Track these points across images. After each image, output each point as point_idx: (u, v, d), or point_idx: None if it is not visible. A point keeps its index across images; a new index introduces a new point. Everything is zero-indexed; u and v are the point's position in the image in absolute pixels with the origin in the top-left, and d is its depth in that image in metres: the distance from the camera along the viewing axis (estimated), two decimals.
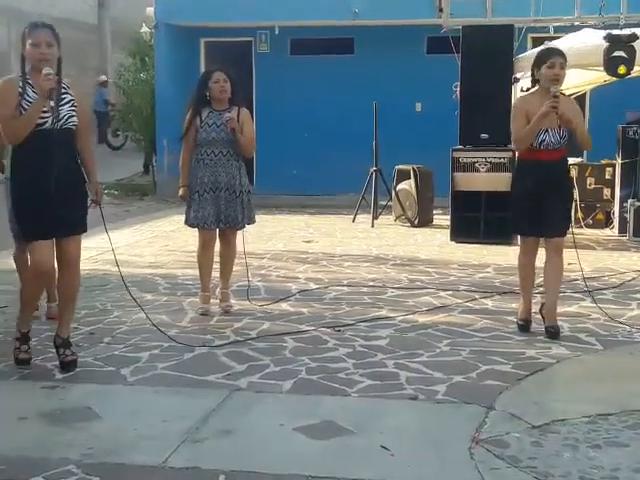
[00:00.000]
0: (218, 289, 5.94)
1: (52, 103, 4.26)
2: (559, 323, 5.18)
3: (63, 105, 4.35)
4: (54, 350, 4.67)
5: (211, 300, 5.87)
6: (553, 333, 5.05)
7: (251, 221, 5.84)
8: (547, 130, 4.94)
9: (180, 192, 5.80)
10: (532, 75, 5.11)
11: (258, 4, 13.56)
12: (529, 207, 5.03)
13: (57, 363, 4.53)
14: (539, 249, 5.25)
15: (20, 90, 4.31)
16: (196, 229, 5.80)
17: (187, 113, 5.73)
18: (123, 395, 4.17)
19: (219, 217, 5.68)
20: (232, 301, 5.94)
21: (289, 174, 13.04)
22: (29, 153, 4.31)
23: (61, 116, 4.32)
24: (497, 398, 4.01)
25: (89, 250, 7.61)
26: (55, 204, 4.30)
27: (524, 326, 5.22)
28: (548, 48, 5.31)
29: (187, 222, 5.81)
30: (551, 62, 4.92)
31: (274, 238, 9.32)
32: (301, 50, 13.33)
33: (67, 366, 4.52)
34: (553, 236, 5.10)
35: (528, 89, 5.22)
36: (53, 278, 4.65)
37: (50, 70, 4.25)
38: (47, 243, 4.38)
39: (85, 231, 4.55)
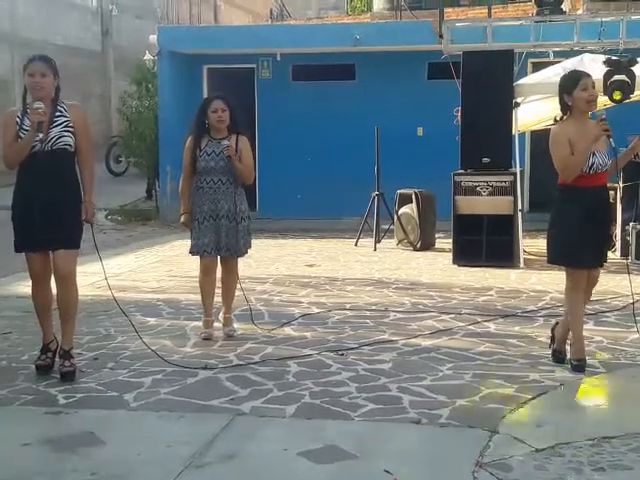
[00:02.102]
0: (221, 314, 5.96)
1: (41, 135, 4.58)
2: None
3: (54, 127, 4.65)
4: (58, 375, 4.72)
5: (214, 325, 5.88)
6: (561, 358, 5.02)
7: (250, 246, 5.87)
8: (594, 153, 4.79)
9: (182, 219, 5.84)
10: (562, 102, 4.91)
11: (260, 31, 13.71)
12: (583, 237, 4.81)
13: (62, 389, 4.56)
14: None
15: (18, 120, 4.68)
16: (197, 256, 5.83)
17: (186, 141, 5.79)
18: (126, 420, 4.17)
19: (219, 245, 5.70)
20: (235, 325, 5.95)
21: (292, 199, 13.08)
22: (22, 173, 4.71)
23: (49, 138, 4.63)
24: (501, 421, 4.01)
25: (92, 276, 7.63)
26: (43, 219, 4.60)
27: (580, 366, 4.87)
28: (574, 71, 5.15)
29: (190, 249, 5.84)
30: (584, 84, 4.80)
31: (277, 262, 9.34)
32: (303, 76, 13.42)
33: (64, 376, 4.71)
34: (599, 265, 4.97)
35: (561, 118, 4.97)
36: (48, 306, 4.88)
37: (40, 105, 4.57)
38: (37, 255, 4.72)
39: (76, 247, 4.78)
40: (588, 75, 4.90)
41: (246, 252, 5.85)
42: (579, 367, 4.88)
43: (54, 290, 4.85)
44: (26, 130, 4.61)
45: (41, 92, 4.65)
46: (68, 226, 4.71)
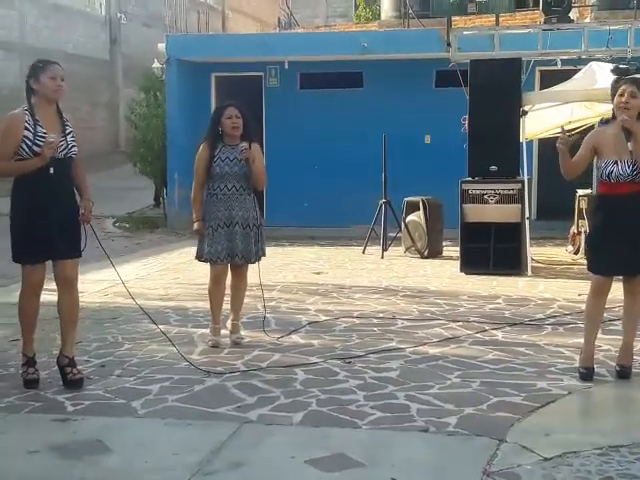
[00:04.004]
0: (229, 321, 5.96)
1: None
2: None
3: (67, 135, 4.66)
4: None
5: (222, 332, 5.89)
6: (622, 372, 4.89)
7: (264, 254, 5.87)
8: (616, 162, 4.73)
9: (195, 226, 5.77)
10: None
11: (268, 39, 13.75)
12: (610, 245, 4.78)
13: (69, 396, 4.56)
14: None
15: (27, 125, 4.54)
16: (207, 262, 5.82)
17: (199, 148, 5.79)
18: (134, 428, 4.17)
19: (233, 252, 5.68)
20: (242, 333, 5.95)
21: (299, 206, 13.10)
22: (33, 181, 4.53)
23: (66, 146, 4.62)
24: (508, 430, 3.99)
25: (100, 283, 7.66)
26: (59, 228, 4.55)
27: (587, 374, 4.84)
28: (619, 77, 5.14)
29: (200, 257, 5.82)
30: (621, 89, 4.77)
31: (284, 270, 9.35)
32: (310, 84, 13.45)
33: (74, 384, 4.68)
34: (636, 274, 4.89)
35: (607, 121, 4.99)
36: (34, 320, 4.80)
37: (54, 137, 4.52)
38: (42, 266, 4.65)
39: (80, 256, 4.75)
40: (630, 82, 4.83)
41: (259, 259, 5.83)
42: (587, 375, 4.85)
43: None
44: (40, 136, 4.48)
45: (62, 95, 4.63)
46: (78, 234, 4.71)
